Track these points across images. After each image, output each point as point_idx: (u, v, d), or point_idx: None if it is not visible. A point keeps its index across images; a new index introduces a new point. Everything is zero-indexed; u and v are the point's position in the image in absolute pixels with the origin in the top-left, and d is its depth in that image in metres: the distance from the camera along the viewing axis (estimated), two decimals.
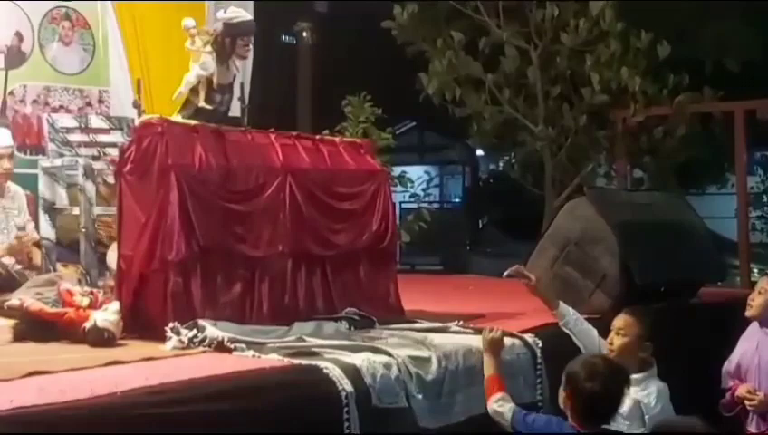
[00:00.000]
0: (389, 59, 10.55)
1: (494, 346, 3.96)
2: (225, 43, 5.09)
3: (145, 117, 4.70)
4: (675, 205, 6.55)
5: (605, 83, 8.78)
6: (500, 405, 3.75)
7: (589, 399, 3.38)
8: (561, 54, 9.12)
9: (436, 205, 20.59)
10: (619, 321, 4.24)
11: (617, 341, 4.20)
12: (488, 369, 3.90)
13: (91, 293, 4.54)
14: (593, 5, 8.78)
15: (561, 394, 3.52)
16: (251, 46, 5.33)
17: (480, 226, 19.32)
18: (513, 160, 11.18)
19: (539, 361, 4.54)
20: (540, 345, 4.60)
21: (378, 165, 5.45)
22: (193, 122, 4.73)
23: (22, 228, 6.18)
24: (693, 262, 5.75)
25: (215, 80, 5.10)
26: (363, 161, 5.29)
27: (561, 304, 4.46)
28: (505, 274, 4.55)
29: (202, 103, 5.02)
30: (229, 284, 4.61)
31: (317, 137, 5.41)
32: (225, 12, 5.25)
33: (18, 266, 5.92)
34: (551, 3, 9.05)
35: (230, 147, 4.69)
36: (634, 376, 4.09)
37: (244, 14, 5.27)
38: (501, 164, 20.09)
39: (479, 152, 20.04)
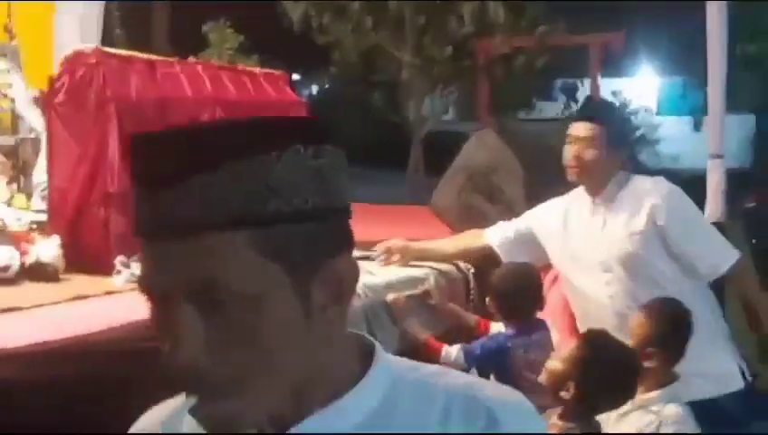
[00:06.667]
0: None
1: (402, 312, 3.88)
2: None
3: (79, 47, 4.56)
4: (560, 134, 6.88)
5: (470, 14, 9.02)
6: (448, 357, 3.67)
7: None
8: None
9: None
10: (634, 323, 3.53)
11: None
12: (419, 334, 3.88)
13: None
14: None
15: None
16: None
17: None
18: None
19: (471, 286, 4.66)
20: (471, 271, 4.73)
21: (296, 96, 5.51)
22: (128, 53, 4.66)
23: None
24: None
25: None
26: (284, 93, 5.34)
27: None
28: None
29: None
30: None
31: (239, 67, 5.41)
32: None
33: None
34: None
35: (162, 79, 4.65)
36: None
37: None
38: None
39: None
